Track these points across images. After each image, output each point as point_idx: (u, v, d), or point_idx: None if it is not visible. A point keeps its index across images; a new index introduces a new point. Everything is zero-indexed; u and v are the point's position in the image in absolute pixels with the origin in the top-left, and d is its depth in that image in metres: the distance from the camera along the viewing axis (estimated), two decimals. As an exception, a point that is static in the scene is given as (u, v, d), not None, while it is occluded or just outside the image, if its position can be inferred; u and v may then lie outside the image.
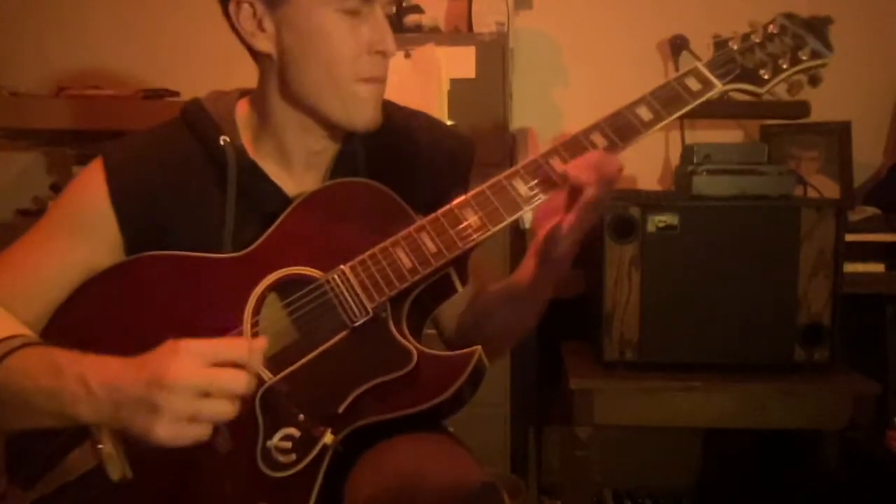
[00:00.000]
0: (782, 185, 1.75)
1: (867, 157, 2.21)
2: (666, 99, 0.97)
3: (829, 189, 2.10)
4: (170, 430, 0.80)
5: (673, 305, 1.73)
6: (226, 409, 0.81)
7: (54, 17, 2.36)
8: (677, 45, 2.24)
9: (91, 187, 0.99)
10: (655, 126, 0.96)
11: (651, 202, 1.73)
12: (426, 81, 1.88)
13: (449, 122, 1.84)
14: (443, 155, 1.10)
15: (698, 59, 2.47)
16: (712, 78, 0.98)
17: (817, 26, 1.01)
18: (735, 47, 1.01)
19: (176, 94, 2.14)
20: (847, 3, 2.21)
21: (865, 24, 2.18)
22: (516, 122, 2.20)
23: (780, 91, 1.00)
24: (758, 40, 1.00)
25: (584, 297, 1.95)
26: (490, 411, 1.89)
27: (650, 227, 1.72)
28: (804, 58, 0.99)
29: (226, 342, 0.85)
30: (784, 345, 1.71)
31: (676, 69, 2.26)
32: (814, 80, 1.00)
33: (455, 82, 1.89)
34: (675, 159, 2.21)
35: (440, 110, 1.87)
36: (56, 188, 2.17)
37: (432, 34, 2.03)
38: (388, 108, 1.06)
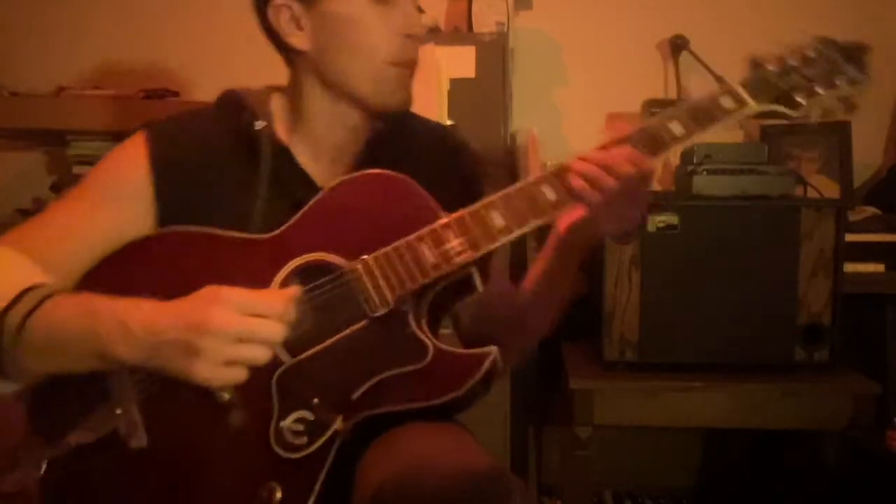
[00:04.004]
0: (782, 185, 1.75)
1: (867, 157, 2.21)
2: (699, 115, 0.98)
3: (829, 189, 2.09)
4: (207, 371, 0.85)
5: (673, 305, 1.72)
6: (261, 355, 0.86)
7: (54, 17, 2.36)
8: (677, 45, 2.24)
9: (132, 158, 1.03)
10: (685, 141, 0.97)
11: (651, 202, 1.72)
12: (426, 81, 1.87)
13: (449, 122, 1.84)
14: (460, 168, 1.15)
15: (698, 59, 2.47)
16: (747, 98, 0.99)
17: (854, 52, 1.01)
18: (771, 69, 1.01)
19: (176, 94, 2.15)
20: (847, 3, 2.22)
21: (865, 24, 2.18)
22: (516, 122, 2.20)
23: (813, 115, 1.01)
24: (795, 63, 1.01)
25: (584, 297, 1.95)
26: (490, 411, 1.89)
27: (650, 227, 1.72)
28: (839, 83, 0.99)
29: (263, 296, 0.89)
30: (784, 345, 1.71)
31: (676, 69, 2.26)
32: (849, 106, 1.00)
33: (455, 82, 1.89)
34: (675, 159, 2.21)
35: (440, 110, 1.87)
36: (56, 188, 2.17)
37: (432, 34, 2.03)
38: (413, 118, 1.15)
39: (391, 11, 1.02)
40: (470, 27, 2.07)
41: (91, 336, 0.88)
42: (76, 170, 2.07)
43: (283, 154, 1.06)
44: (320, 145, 1.08)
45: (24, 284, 0.92)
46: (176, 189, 1.02)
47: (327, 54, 1.03)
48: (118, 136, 2.05)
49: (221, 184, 1.03)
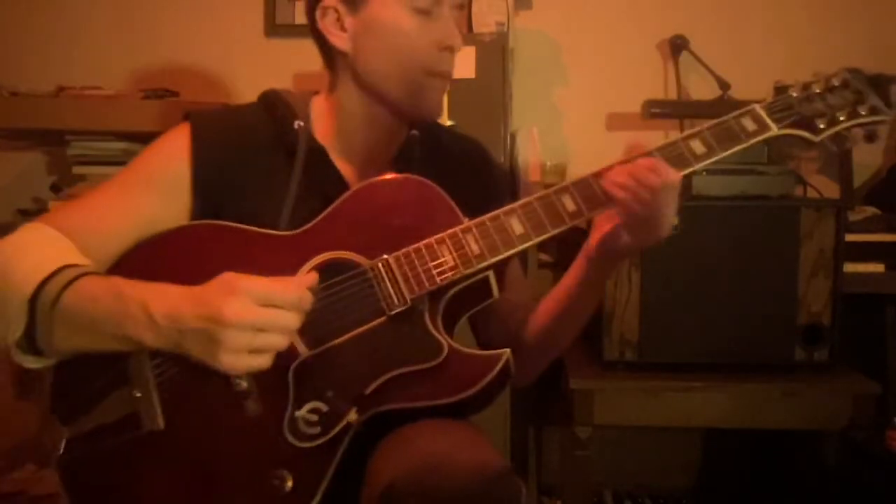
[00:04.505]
0: (782, 185, 1.75)
1: (867, 157, 2.21)
2: (721, 135, 1.00)
3: (829, 189, 2.10)
4: (230, 360, 0.87)
5: (673, 305, 1.73)
6: (280, 342, 0.88)
7: (54, 17, 2.36)
8: (677, 45, 2.24)
9: (175, 148, 1.06)
10: (707, 160, 1.00)
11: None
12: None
13: (449, 123, 1.84)
14: (486, 179, 1.19)
15: (698, 59, 2.46)
16: (769, 121, 1.01)
17: (881, 83, 1.03)
18: (795, 95, 1.03)
19: (176, 94, 2.14)
20: (847, 3, 2.22)
21: (865, 25, 2.19)
22: (516, 122, 2.20)
23: (834, 145, 1.02)
24: (818, 90, 1.03)
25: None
26: (490, 411, 1.87)
27: (650, 227, 1.71)
28: (863, 113, 1.01)
29: (279, 287, 0.89)
30: (784, 345, 1.71)
31: (676, 69, 2.26)
32: (870, 137, 1.02)
33: (455, 82, 1.88)
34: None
35: (440, 110, 1.87)
36: (56, 188, 2.17)
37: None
38: (445, 129, 1.20)
39: (432, 23, 1.05)
40: (470, 27, 2.07)
41: (118, 320, 0.91)
42: (76, 170, 2.08)
43: (318, 153, 1.09)
44: (355, 147, 1.12)
45: (63, 261, 0.95)
46: (213, 181, 1.05)
47: (365, 57, 1.07)
48: (118, 136, 2.07)
49: (257, 178, 1.06)
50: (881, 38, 2.18)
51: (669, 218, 0.97)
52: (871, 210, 1.99)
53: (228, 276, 0.89)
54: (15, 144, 2.36)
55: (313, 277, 0.93)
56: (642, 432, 2.25)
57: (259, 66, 2.19)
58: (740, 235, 1.71)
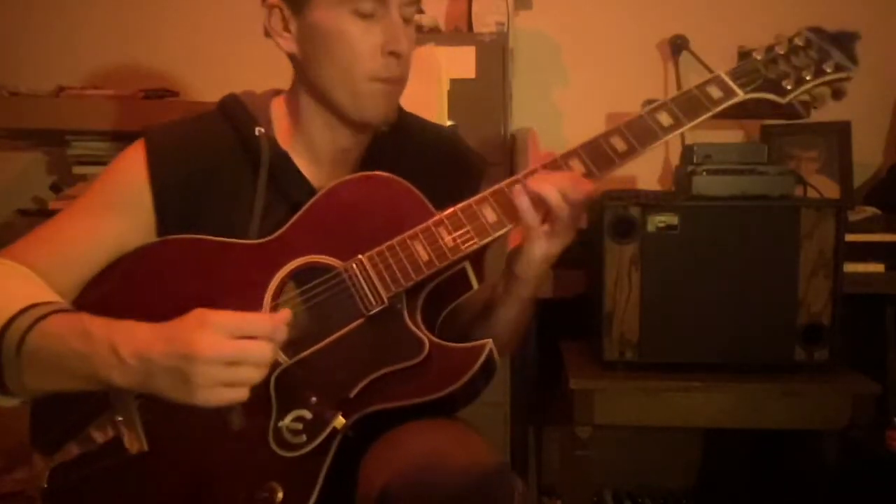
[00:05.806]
0: (782, 185, 1.75)
1: (867, 157, 2.21)
2: (687, 106, 1.00)
3: (829, 189, 2.09)
4: (205, 396, 0.84)
5: (673, 305, 1.72)
6: (255, 376, 0.86)
7: (54, 17, 2.36)
8: (677, 45, 2.24)
9: (132, 167, 1.04)
10: (674, 132, 0.99)
11: (651, 202, 1.73)
12: (426, 81, 1.88)
13: (449, 123, 1.84)
14: (460, 170, 1.16)
15: (698, 59, 2.47)
16: (734, 86, 1.00)
17: (843, 40, 1.03)
18: (759, 58, 1.02)
19: (176, 94, 2.15)
20: (846, 2, 2.22)
21: (865, 24, 2.18)
22: (516, 122, 2.20)
23: (803, 108, 1.02)
24: (782, 52, 1.02)
25: (584, 297, 1.95)
26: (490, 411, 1.89)
27: (650, 227, 1.71)
28: (828, 70, 1.01)
29: (251, 317, 0.87)
30: (784, 345, 1.71)
31: (676, 69, 2.26)
32: (837, 94, 1.02)
33: (455, 82, 1.89)
34: (675, 159, 2.21)
35: (440, 110, 1.87)
36: (56, 188, 2.17)
37: (432, 34, 2.03)
38: (418, 122, 1.17)
39: (374, 27, 1.01)
40: (470, 27, 2.07)
41: (86, 361, 0.88)
42: (76, 170, 2.07)
43: (281, 159, 1.06)
44: (319, 149, 1.09)
45: (26, 300, 0.92)
46: (175, 197, 1.02)
47: (311, 62, 1.04)
48: (118, 136, 2.07)
49: (221, 190, 1.04)
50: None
51: (573, 227, 0.99)
52: (871, 210, 1.99)
53: (198, 311, 0.86)
54: (15, 144, 2.35)
55: (287, 314, 0.90)
56: (642, 432, 2.25)
57: (259, 66, 2.18)
58: (740, 235, 1.71)
